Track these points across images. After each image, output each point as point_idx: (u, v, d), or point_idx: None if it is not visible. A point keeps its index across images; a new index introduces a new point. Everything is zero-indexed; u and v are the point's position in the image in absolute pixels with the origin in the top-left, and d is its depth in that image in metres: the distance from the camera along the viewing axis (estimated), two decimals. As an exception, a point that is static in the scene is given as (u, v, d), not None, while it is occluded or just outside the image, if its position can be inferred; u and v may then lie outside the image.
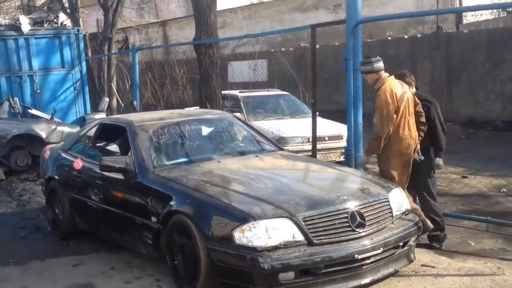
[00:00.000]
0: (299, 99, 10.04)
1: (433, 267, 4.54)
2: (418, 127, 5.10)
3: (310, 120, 8.92)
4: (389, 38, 15.48)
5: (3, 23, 10.47)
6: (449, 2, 16.14)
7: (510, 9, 15.03)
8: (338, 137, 8.45)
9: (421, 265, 4.56)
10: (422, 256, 4.76)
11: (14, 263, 5.09)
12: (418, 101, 5.20)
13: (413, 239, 4.34)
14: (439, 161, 5.26)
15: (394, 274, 4.27)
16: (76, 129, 9.60)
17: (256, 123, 8.45)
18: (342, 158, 8.15)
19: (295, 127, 8.57)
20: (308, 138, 7.95)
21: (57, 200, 5.88)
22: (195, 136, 5.35)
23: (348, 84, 5.69)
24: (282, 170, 4.94)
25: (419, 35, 14.95)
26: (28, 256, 5.27)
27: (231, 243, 3.78)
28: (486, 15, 15.71)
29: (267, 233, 3.74)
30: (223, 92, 9.13)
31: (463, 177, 8.10)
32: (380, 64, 5.04)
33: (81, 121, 10.80)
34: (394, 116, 4.88)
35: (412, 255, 4.40)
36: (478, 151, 10.32)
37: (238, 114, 8.41)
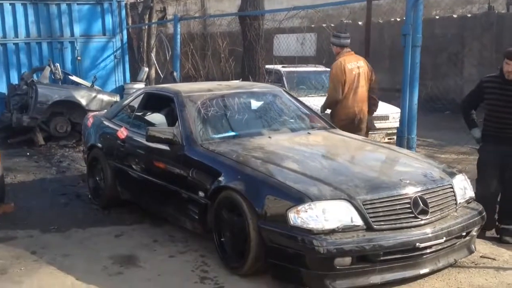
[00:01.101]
0: None
1: (494, 259, 4.27)
2: (369, 102, 5.92)
3: None
4: (437, 17, 14.87)
5: None
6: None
7: None
8: (385, 118, 8.17)
9: (481, 257, 4.29)
10: (481, 247, 4.48)
11: (55, 230, 5.04)
12: (374, 78, 5.95)
13: (476, 229, 4.08)
14: None
15: (453, 264, 4.02)
16: (116, 98, 9.53)
17: None
18: (387, 140, 7.96)
19: None
20: None
21: (99, 169, 5.76)
22: (244, 109, 5.11)
23: (405, 61, 5.45)
24: (336, 149, 4.69)
25: (468, 15, 14.27)
26: (69, 223, 5.20)
27: (285, 224, 3.57)
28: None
29: (324, 215, 3.52)
30: (266, 66, 8.82)
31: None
32: (346, 41, 5.87)
33: (120, 90, 10.73)
34: (339, 86, 5.69)
35: (473, 246, 4.14)
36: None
37: None
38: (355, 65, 5.80)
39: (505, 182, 4.76)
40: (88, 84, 10.01)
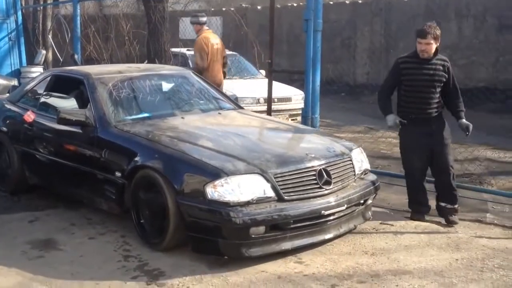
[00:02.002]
0: (251, 59, 9.97)
1: (392, 225, 4.75)
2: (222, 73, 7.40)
3: (258, 81, 9.02)
4: (331, 3, 15.63)
5: None
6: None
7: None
8: (287, 99, 8.56)
9: (380, 223, 4.76)
10: (380, 215, 4.97)
11: None
12: (225, 54, 7.52)
13: (371, 197, 4.55)
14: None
15: (353, 230, 4.47)
16: (13, 82, 9.12)
17: None
18: (290, 121, 8.31)
19: (245, 88, 8.57)
20: (258, 99, 8.21)
21: (5, 154, 5.61)
22: (156, 91, 5.25)
23: (307, 45, 5.67)
24: (247, 127, 4.97)
25: (359, 1, 15.05)
26: None
27: (203, 198, 3.80)
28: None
29: (239, 189, 3.79)
30: (172, 49, 8.95)
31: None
32: (203, 19, 7.33)
33: (17, 74, 10.24)
34: (205, 57, 7.05)
35: (369, 213, 4.62)
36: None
37: None
38: (215, 41, 7.30)
39: (433, 163, 4.86)
40: None
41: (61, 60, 11.70)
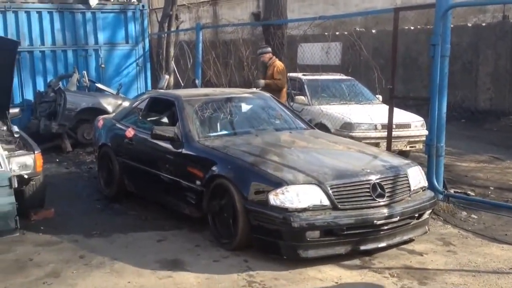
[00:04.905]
0: (367, 83, 9.66)
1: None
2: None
3: (374, 106, 8.65)
4: (451, 26, 14.96)
5: None
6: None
7: None
8: (406, 126, 8.12)
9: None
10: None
11: (98, 235, 5.21)
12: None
13: (428, 212, 4.86)
14: None
15: (410, 242, 4.80)
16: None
17: (320, 108, 8.50)
18: (408, 148, 8.10)
19: (361, 113, 8.12)
20: (375, 125, 7.90)
21: (110, 164, 6.54)
22: (236, 111, 5.98)
23: (434, 71, 5.64)
24: (312, 145, 5.49)
25: (483, 24, 14.19)
26: (110, 228, 5.39)
27: (266, 204, 4.37)
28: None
29: (297, 197, 4.32)
30: (289, 74, 8.90)
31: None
32: (270, 49, 8.35)
33: (143, 98, 10.92)
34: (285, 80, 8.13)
35: (426, 227, 4.92)
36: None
37: (301, 98, 8.80)
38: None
39: None
40: (113, 91, 10.25)
41: (182, 84, 12.08)
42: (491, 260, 4.56)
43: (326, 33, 12.00)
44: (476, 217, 5.71)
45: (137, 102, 6.72)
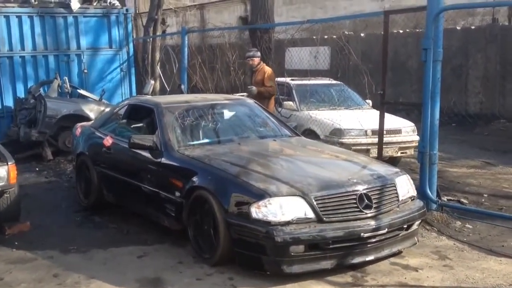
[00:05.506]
0: (355, 88, 9.53)
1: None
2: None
3: (364, 111, 8.50)
4: None
5: (52, 0, 10.15)
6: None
7: None
8: (397, 132, 7.91)
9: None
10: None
11: (75, 251, 4.95)
12: None
13: (417, 223, 4.66)
14: None
15: (398, 254, 4.60)
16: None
17: (309, 113, 8.36)
18: (399, 154, 7.92)
19: (351, 119, 8.00)
20: (366, 131, 7.71)
21: (87, 174, 6.29)
22: (218, 119, 5.75)
23: (426, 76, 5.47)
24: (296, 153, 5.27)
25: (472, 27, 13.99)
26: (88, 243, 5.14)
27: (248, 217, 4.14)
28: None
29: (281, 210, 4.10)
30: (276, 79, 8.61)
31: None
32: (259, 53, 8.06)
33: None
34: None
35: (415, 238, 4.72)
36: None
37: (290, 103, 8.58)
38: None
39: None
40: (96, 97, 9.99)
41: (168, 89, 11.89)
42: (490, 276, 4.35)
43: (314, 37, 11.87)
44: (471, 227, 5.53)
45: (117, 109, 6.48)
